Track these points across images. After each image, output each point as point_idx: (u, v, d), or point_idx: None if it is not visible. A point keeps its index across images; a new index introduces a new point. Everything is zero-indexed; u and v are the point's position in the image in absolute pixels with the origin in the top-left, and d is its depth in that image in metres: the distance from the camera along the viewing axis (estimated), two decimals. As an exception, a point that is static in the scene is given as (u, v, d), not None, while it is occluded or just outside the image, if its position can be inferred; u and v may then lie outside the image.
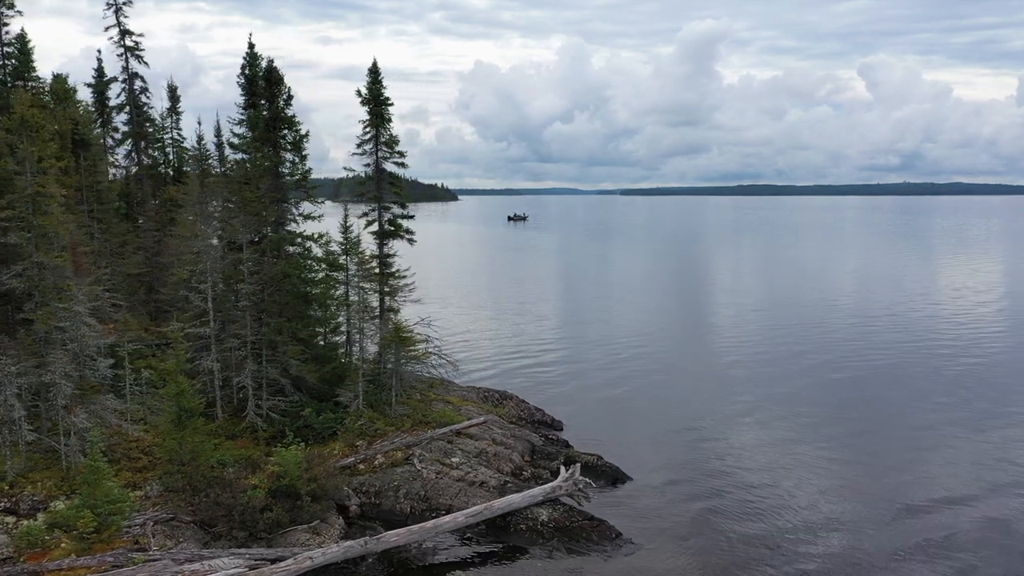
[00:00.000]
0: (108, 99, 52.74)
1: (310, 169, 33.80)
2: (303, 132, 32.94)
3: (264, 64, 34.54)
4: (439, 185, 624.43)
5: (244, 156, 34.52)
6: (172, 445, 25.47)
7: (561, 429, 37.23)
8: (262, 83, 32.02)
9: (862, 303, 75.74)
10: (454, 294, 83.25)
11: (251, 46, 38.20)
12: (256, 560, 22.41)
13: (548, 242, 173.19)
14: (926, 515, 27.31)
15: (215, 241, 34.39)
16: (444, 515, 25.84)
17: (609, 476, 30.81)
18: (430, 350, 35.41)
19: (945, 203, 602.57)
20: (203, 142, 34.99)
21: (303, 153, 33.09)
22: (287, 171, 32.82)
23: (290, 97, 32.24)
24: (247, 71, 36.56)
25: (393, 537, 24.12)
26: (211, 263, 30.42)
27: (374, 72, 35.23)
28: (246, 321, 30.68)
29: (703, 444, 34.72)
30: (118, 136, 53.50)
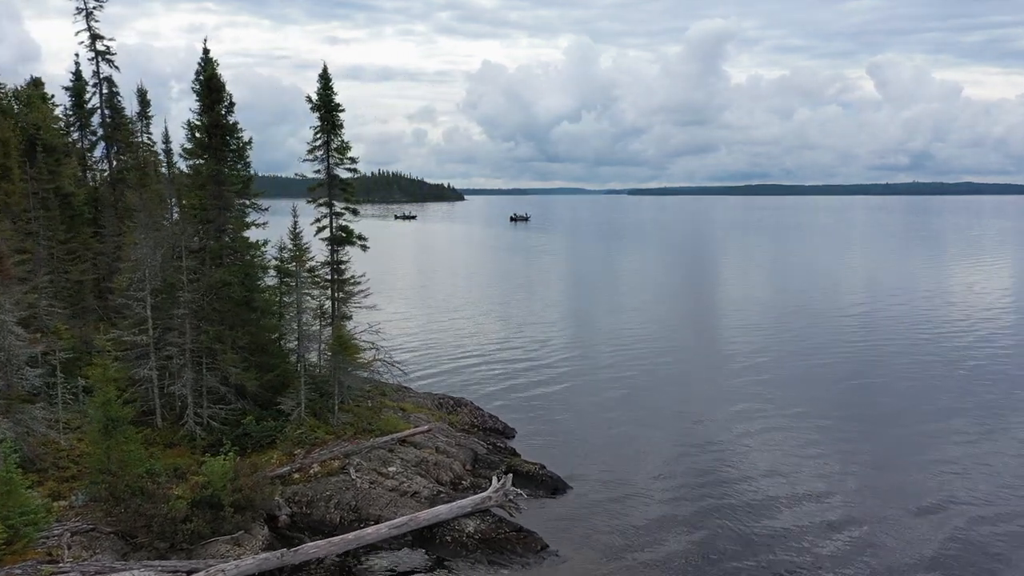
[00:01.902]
0: (86, 102, 53.03)
1: (251, 177, 33.70)
2: (246, 140, 32.87)
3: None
4: (445, 185, 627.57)
5: (198, 162, 34.44)
6: (99, 454, 25.41)
7: (513, 437, 36.98)
8: (204, 90, 31.91)
9: (838, 309, 75.06)
10: (435, 296, 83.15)
11: (206, 51, 38.11)
12: (168, 572, 22.25)
13: (545, 243, 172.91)
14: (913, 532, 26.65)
15: (175, 247, 34.33)
16: (369, 526, 25.69)
17: (549, 486, 30.49)
18: (378, 357, 35.28)
19: (955, 203, 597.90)
20: (147, 148, 34.93)
21: (246, 160, 33.02)
22: (230, 178, 32.69)
23: (232, 104, 32.15)
24: (201, 76, 36.55)
25: (312, 549, 23.97)
26: (150, 271, 30.37)
27: (324, 78, 35.01)
28: (185, 329, 30.61)
29: (655, 456, 34.08)
30: (94, 140, 53.84)
